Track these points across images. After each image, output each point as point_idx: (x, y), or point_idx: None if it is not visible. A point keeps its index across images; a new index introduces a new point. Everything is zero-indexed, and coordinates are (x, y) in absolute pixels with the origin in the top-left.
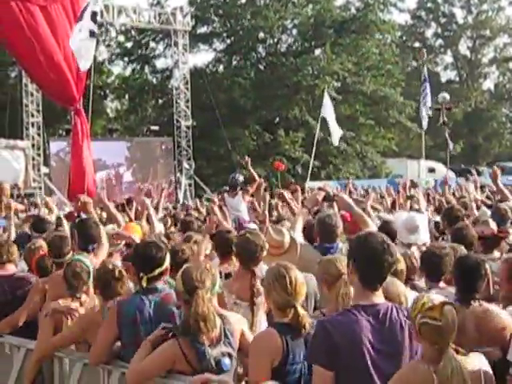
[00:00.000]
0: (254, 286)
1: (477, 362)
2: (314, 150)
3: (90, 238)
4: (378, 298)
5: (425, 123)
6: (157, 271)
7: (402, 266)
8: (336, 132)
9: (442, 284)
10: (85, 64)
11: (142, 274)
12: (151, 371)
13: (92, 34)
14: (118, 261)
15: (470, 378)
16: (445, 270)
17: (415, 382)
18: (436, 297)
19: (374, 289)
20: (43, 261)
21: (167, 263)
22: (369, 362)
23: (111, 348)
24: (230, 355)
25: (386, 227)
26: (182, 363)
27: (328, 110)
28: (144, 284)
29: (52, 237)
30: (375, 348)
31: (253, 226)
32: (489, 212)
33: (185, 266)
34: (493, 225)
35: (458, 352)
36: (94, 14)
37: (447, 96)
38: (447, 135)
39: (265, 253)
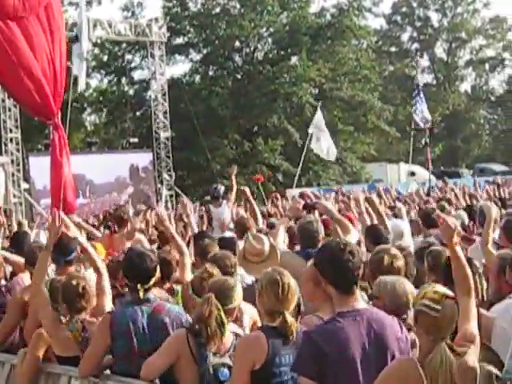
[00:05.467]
0: None
1: (473, 360)
2: (302, 160)
3: (62, 251)
4: (359, 302)
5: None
6: (152, 281)
7: (399, 263)
8: (331, 147)
9: None
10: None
11: (139, 286)
12: (159, 359)
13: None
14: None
15: (461, 377)
16: None
17: (399, 378)
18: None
19: (351, 292)
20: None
21: (158, 272)
22: (359, 369)
23: (102, 360)
24: (230, 368)
25: (373, 231)
26: (186, 357)
27: (318, 126)
28: (141, 295)
29: (29, 247)
30: (363, 353)
31: (229, 234)
32: (465, 214)
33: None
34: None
35: (452, 349)
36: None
37: (429, 117)
38: (429, 156)
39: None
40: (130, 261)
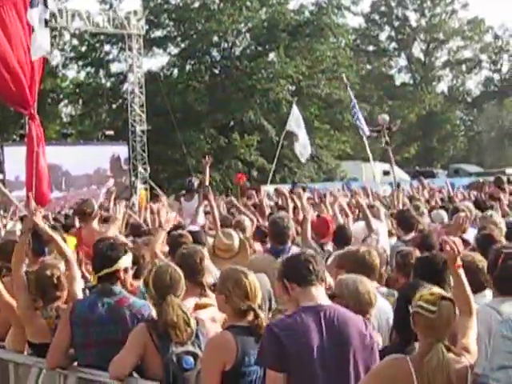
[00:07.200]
0: None
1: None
2: (276, 156)
3: (41, 240)
4: (323, 299)
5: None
6: (103, 272)
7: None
8: (306, 148)
9: None
10: (37, 52)
11: (93, 274)
12: (127, 356)
13: (46, 22)
14: None
15: (456, 376)
16: None
17: (390, 375)
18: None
19: (312, 284)
20: None
21: (120, 266)
22: (317, 363)
23: (68, 349)
24: (194, 355)
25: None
26: (150, 348)
27: (297, 124)
28: (92, 282)
29: (4, 241)
30: (321, 346)
31: (195, 228)
32: (445, 214)
33: (155, 269)
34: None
35: (449, 350)
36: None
37: (387, 117)
38: (391, 155)
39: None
40: (94, 245)
